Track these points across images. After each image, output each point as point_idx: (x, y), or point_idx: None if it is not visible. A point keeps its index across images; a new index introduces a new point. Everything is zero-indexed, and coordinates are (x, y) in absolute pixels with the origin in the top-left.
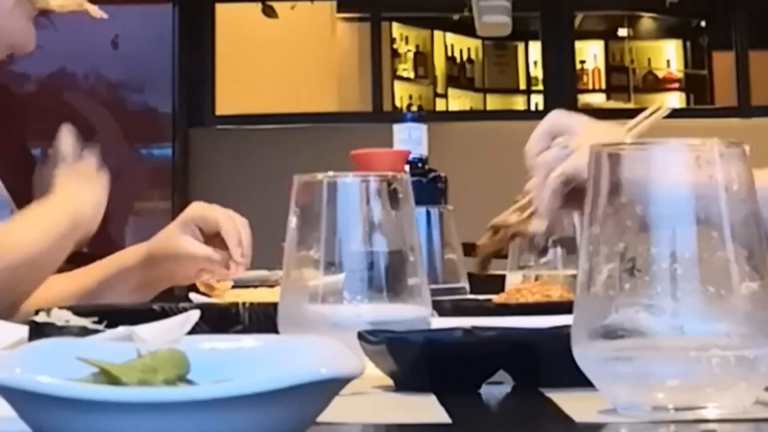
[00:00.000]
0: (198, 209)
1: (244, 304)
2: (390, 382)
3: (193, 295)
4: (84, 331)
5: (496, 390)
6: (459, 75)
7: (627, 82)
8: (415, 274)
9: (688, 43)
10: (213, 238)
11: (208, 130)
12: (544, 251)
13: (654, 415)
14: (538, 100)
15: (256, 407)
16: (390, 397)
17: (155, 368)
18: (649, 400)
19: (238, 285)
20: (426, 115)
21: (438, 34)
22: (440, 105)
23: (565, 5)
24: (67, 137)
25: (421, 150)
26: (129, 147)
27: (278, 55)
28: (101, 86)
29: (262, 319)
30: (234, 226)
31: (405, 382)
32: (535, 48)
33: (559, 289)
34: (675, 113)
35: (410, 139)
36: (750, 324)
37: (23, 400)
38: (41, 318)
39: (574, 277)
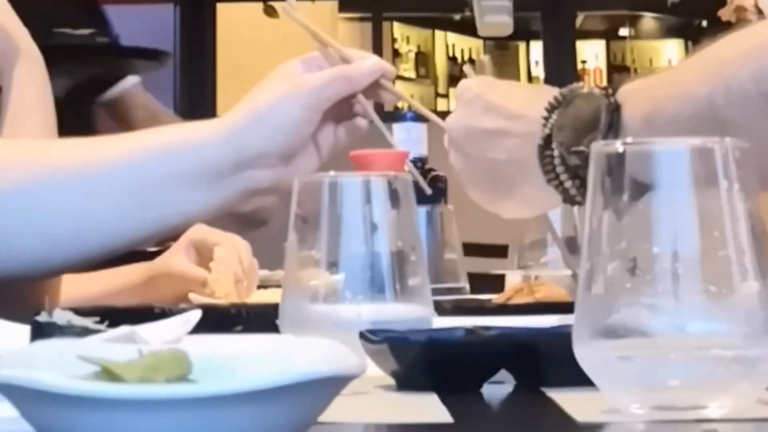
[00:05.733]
0: (198, 232)
1: (244, 304)
2: (391, 381)
3: (192, 296)
4: (86, 331)
5: (497, 390)
6: (460, 75)
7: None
8: (416, 273)
9: (690, 43)
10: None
11: None
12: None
13: (655, 414)
14: None
15: (257, 405)
16: (391, 396)
17: (157, 368)
18: (651, 400)
19: None
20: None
21: (439, 34)
22: (441, 105)
23: (567, 5)
24: None
25: (420, 149)
26: None
27: (279, 55)
28: None
29: (262, 320)
30: (232, 251)
31: (406, 381)
32: (537, 48)
33: (560, 289)
34: None
35: (410, 138)
36: (752, 323)
37: (25, 398)
38: (43, 318)
39: (574, 276)
